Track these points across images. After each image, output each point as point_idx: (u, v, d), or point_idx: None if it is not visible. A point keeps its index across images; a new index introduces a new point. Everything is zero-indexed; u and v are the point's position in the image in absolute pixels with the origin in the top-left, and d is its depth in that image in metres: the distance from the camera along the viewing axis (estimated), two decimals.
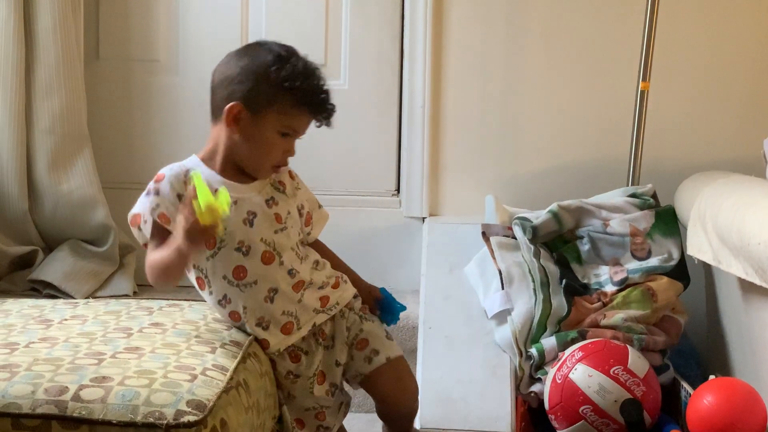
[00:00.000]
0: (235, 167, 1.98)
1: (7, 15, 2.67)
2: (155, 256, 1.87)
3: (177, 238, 1.79)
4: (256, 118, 1.93)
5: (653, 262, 2.51)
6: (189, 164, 1.96)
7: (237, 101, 1.92)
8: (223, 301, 1.98)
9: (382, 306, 2.13)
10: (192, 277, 1.99)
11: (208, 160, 1.97)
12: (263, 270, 1.97)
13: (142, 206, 1.91)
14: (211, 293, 1.99)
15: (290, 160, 2.03)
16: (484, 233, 2.61)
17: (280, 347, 1.99)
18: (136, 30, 3.09)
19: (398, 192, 3.09)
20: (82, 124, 2.85)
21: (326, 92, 1.99)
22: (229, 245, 1.95)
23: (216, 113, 1.97)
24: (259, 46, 1.99)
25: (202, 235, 1.77)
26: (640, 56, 2.70)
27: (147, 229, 1.91)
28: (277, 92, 1.93)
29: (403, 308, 2.13)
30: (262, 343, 1.98)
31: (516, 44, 2.95)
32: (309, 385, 2.02)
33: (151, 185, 1.92)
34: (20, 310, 2.06)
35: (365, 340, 2.07)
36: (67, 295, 2.70)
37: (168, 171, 1.93)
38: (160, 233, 1.89)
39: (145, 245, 1.93)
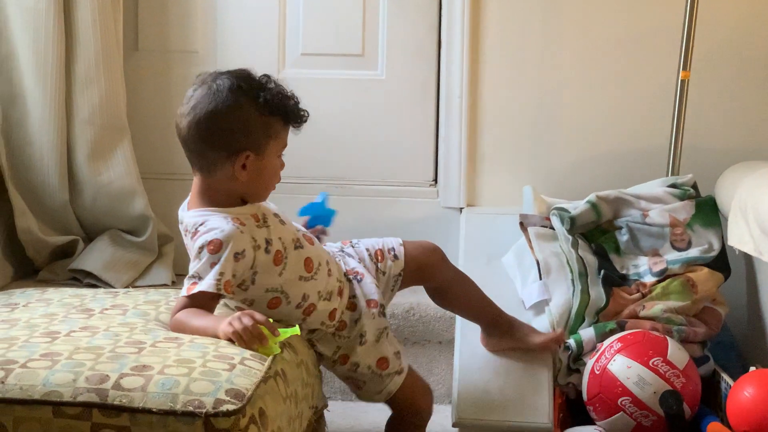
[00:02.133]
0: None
1: (47, 7, 2.69)
2: (191, 321, 1.84)
3: (221, 327, 1.78)
4: (261, 155, 1.96)
5: (693, 252, 2.49)
6: (225, 224, 1.92)
7: (244, 151, 1.93)
8: (303, 303, 2.01)
9: (315, 210, 2.22)
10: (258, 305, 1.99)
11: (217, 205, 1.96)
12: (314, 250, 2.06)
13: (227, 267, 1.87)
14: (289, 303, 2.00)
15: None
16: (521, 223, 2.60)
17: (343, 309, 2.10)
18: (174, 21, 3.10)
19: (436, 182, 3.09)
20: (122, 115, 2.87)
21: (296, 98, 2.02)
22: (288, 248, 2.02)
23: (211, 168, 1.95)
24: (222, 87, 1.93)
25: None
26: (680, 45, 2.67)
27: (208, 286, 1.86)
28: (270, 123, 1.96)
29: (333, 212, 2.24)
30: (331, 315, 2.06)
31: (554, 34, 2.93)
32: None
33: (229, 251, 1.88)
34: (61, 299, 2.08)
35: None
36: (107, 285, 2.73)
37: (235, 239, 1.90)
38: (211, 301, 1.90)
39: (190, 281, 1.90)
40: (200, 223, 1.93)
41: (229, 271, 1.87)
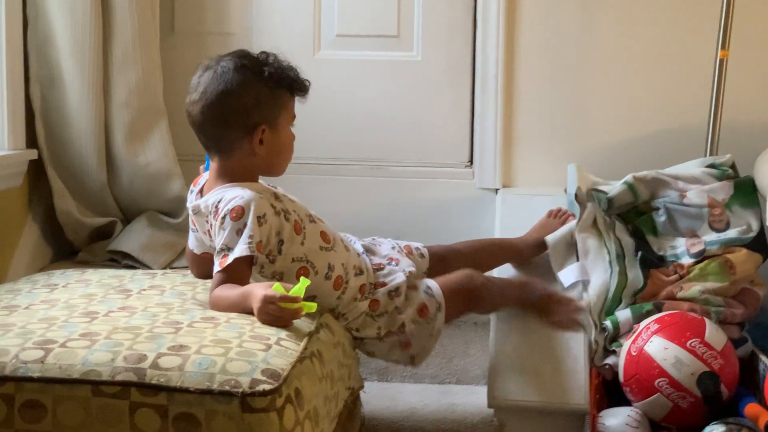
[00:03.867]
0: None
1: None
2: (227, 296, 1.87)
3: (252, 307, 1.81)
4: (275, 128, 2.03)
5: (731, 233, 2.47)
6: (243, 192, 1.96)
7: (258, 126, 1.99)
8: (330, 273, 2.05)
9: None
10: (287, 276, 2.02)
11: (233, 182, 2.01)
12: (326, 226, 2.11)
13: (254, 230, 1.91)
14: (316, 273, 2.03)
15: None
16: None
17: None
18: (210, 3, 3.11)
19: (471, 163, 3.08)
20: (158, 97, 2.88)
21: (296, 70, 2.07)
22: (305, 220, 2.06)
23: (230, 148, 2.01)
24: (227, 68, 1.99)
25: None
26: (718, 24, 2.64)
27: (242, 251, 1.90)
28: (278, 96, 2.02)
29: None
30: (361, 289, 2.11)
31: (590, 13, 2.91)
32: None
33: (252, 215, 1.92)
34: (100, 279, 2.10)
35: None
36: (144, 266, 2.74)
37: (255, 202, 1.94)
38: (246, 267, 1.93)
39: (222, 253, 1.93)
40: (218, 199, 1.97)
41: (257, 234, 1.91)
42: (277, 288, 1.78)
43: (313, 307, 1.82)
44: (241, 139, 2.00)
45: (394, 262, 2.24)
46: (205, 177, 2.12)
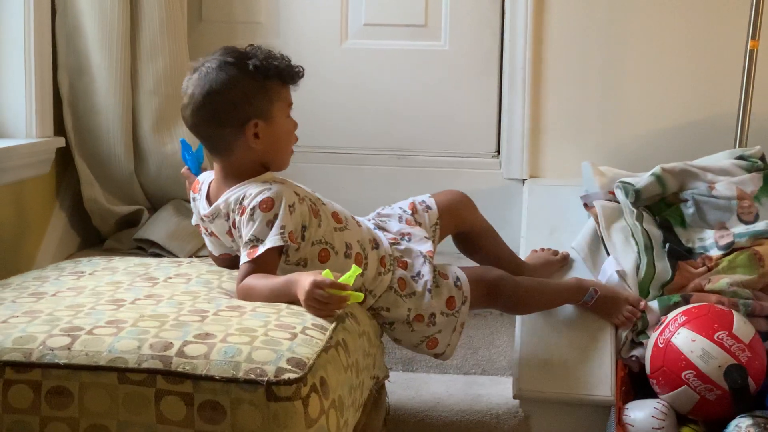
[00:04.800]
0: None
1: None
2: (263, 285, 1.88)
3: (298, 294, 1.81)
4: (269, 120, 2.00)
5: (761, 225, 2.45)
6: (269, 185, 1.97)
7: (250, 120, 1.97)
8: (349, 251, 2.06)
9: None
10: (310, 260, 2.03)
11: (246, 179, 2.01)
12: (336, 206, 2.12)
13: (287, 219, 1.92)
14: (336, 254, 2.04)
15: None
16: (585, 204, 2.59)
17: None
18: None
19: (498, 154, 3.07)
20: None
21: (286, 58, 2.05)
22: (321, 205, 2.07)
23: (227, 147, 2.00)
24: (211, 68, 1.99)
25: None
26: (749, 14, 2.62)
27: (274, 241, 1.91)
28: (268, 87, 1.99)
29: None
30: (382, 261, 2.11)
31: (620, 4, 2.89)
32: None
33: (284, 205, 1.93)
34: (127, 267, 2.11)
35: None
36: (171, 254, 2.76)
37: (285, 192, 1.95)
38: (277, 258, 1.94)
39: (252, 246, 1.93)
40: (241, 196, 1.97)
41: (290, 224, 1.92)
42: (326, 274, 1.79)
43: (359, 297, 1.83)
44: (235, 135, 1.98)
45: (407, 237, 2.24)
46: (204, 183, 2.11)
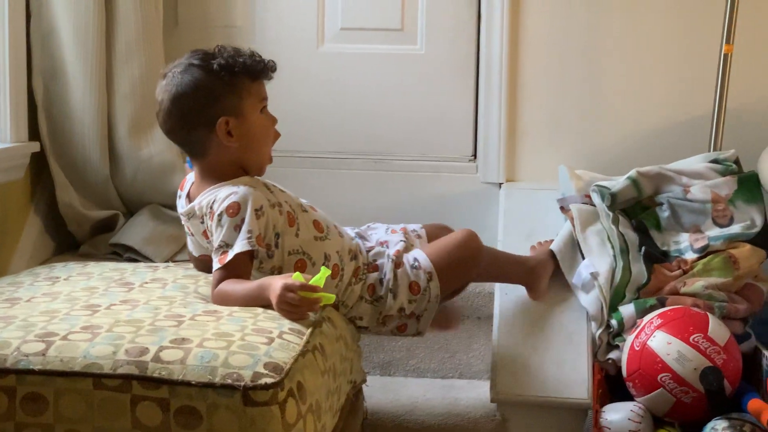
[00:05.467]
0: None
1: None
2: (236, 290, 1.88)
3: (270, 298, 1.81)
4: (240, 116, 1.99)
5: (735, 229, 2.47)
6: (237, 188, 1.96)
7: (220, 118, 1.96)
8: (326, 263, 2.05)
9: None
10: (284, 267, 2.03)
11: (222, 181, 2.00)
12: (318, 214, 2.11)
13: (253, 224, 1.91)
14: (313, 264, 2.04)
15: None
16: (562, 207, 2.59)
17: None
18: None
19: (475, 157, 3.08)
20: None
21: (256, 55, 2.03)
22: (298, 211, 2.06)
23: (201, 148, 2.00)
24: (176, 72, 1.99)
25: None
26: (723, 18, 2.63)
27: (242, 246, 1.90)
28: (235, 84, 1.98)
29: None
30: (355, 272, 2.11)
31: (595, 7, 2.90)
32: None
33: (250, 208, 1.92)
34: (102, 273, 2.10)
35: None
36: (147, 259, 2.74)
37: (251, 195, 1.94)
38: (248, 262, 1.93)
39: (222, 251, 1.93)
40: (212, 200, 1.97)
41: (256, 228, 1.91)
42: (297, 277, 1.79)
43: (331, 298, 1.83)
44: (208, 136, 1.98)
45: (385, 245, 2.24)
46: (189, 181, 2.11)
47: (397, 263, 2.18)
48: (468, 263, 2.26)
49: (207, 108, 1.96)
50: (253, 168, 2.05)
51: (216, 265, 1.92)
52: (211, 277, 1.98)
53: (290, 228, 2.00)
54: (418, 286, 2.17)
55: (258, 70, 2.01)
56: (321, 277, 1.81)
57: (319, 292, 1.80)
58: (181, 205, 2.10)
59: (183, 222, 2.12)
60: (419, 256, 2.20)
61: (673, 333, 2.16)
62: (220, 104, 1.97)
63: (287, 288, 1.78)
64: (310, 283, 1.79)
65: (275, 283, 1.80)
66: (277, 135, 2.08)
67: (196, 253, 2.15)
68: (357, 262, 2.14)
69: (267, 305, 1.82)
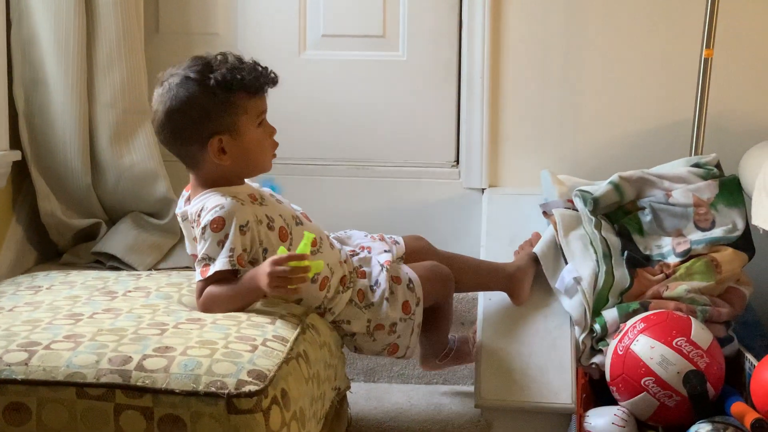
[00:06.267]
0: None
1: None
2: (224, 290, 1.88)
3: (260, 284, 1.83)
4: (235, 134, 1.97)
5: (717, 232, 2.48)
6: (224, 201, 1.95)
7: (213, 137, 1.95)
8: (317, 276, 2.03)
9: None
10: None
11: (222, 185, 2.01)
12: (313, 226, 2.11)
13: (236, 242, 1.91)
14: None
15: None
16: (545, 212, 2.60)
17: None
18: (195, 4, 3.10)
19: (458, 163, 3.08)
20: (143, 98, 2.86)
21: (258, 64, 2.01)
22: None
23: (194, 161, 2.00)
24: (173, 84, 1.98)
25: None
26: (703, 23, 2.65)
27: (222, 264, 1.90)
28: (231, 101, 1.96)
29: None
30: (343, 280, 2.10)
31: (576, 13, 2.91)
32: None
33: (234, 225, 1.91)
34: (85, 281, 2.09)
35: None
36: (129, 267, 2.73)
37: (238, 212, 1.93)
38: (229, 277, 1.93)
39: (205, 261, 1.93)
40: (200, 208, 1.96)
41: (239, 246, 1.90)
42: (281, 251, 1.81)
43: (320, 265, 1.86)
44: (200, 151, 1.97)
45: (366, 250, 2.24)
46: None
47: (395, 277, 2.18)
48: (438, 295, 2.28)
49: (200, 126, 1.95)
50: (250, 176, 2.05)
51: (198, 276, 1.91)
52: (194, 286, 1.98)
53: (283, 243, 1.99)
54: (409, 308, 2.17)
55: (257, 86, 1.99)
56: (306, 244, 1.83)
57: (307, 259, 1.81)
58: (180, 206, 2.09)
59: (179, 221, 2.11)
60: (414, 279, 2.20)
61: (656, 337, 2.17)
62: (213, 123, 1.95)
63: (276, 262, 1.80)
64: (297, 252, 1.81)
65: (262, 267, 1.82)
66: (275, 145, 2.06)
67: (190, 252, 2.14)
68: (343, 270, 2.13)
69: (258, 297, 1.83)
